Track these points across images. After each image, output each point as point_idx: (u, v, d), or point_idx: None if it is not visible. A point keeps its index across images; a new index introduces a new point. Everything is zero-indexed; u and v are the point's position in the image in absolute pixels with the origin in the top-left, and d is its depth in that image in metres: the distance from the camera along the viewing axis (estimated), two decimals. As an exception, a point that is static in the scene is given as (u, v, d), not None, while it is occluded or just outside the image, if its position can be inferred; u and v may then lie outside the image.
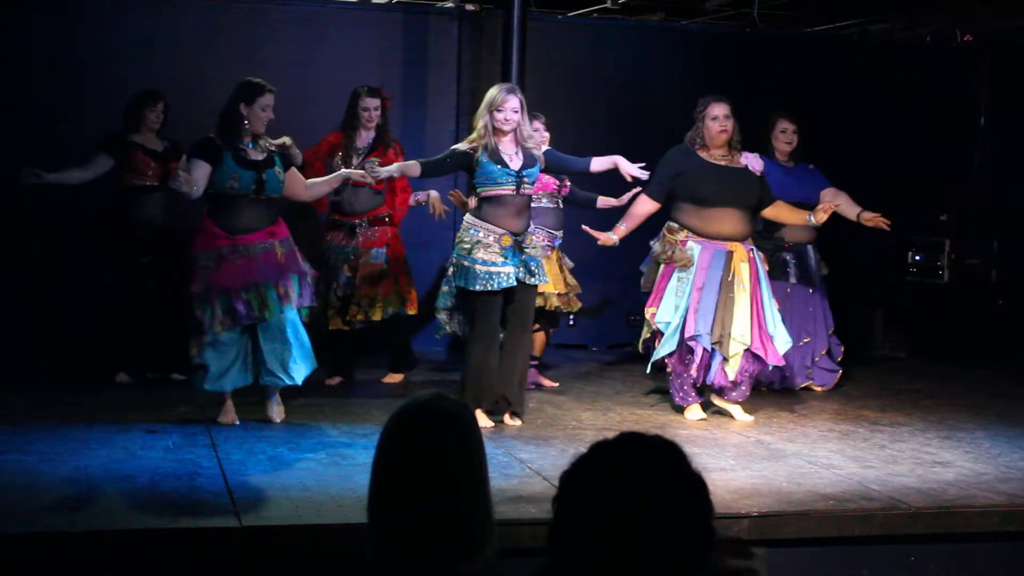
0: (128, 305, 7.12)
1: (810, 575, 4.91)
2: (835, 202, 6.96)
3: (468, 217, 6.28)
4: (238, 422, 6.13)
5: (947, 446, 6.13)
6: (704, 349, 6.52)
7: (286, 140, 6.19)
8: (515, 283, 6.15)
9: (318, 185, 6.35)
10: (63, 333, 7.84)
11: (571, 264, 7.59)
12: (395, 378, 7.55)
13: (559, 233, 7.40)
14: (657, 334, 6.67)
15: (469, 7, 8.95)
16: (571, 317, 8.30)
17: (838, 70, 9.56)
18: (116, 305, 7.16)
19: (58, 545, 4.24)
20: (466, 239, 6.18)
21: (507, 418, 6.35)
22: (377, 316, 7.26)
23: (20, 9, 8.05)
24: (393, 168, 6.34)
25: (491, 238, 6.14)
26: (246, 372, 6.08)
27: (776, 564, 4.86)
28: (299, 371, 6.12)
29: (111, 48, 8.12)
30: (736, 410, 6.69)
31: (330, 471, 5.23)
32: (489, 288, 6.10)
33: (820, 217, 6.78)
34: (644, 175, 6.45)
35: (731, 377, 6.57)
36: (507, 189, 6.15)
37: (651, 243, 6.82)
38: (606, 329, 9.33)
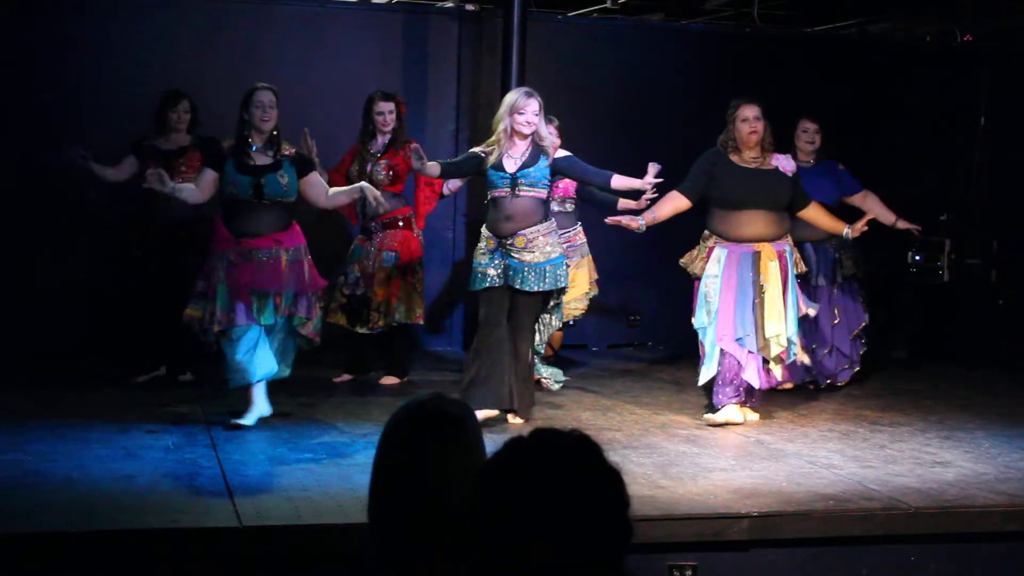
0: (144, 304, 7.11)
1: (810, 575, 4.91)
2: (869, 216, 7.02)
3: None
4: (268, 411, 6.13)
5: (947, 446, 6.13)
6: (749, 352, 6.48)
7: (305, 131, 6.41)
8: (491, 285, 6.25)
9: (339, 194, 6.36)
10: (64, 333, 7.84)
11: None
12: (391, 380, 7.55)
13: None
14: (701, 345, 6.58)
15: (469, 7, 8.95)
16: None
17: (838, 70, 9.55)
18: (136, 305, 7.15)
19: (58, 545, 4.24)
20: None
21: (508, 417, 6.35)
22: (392, 320, 7.34)
23: (21, 9, 8.06)
24: (426, 167, 6.38)
25: (482, 241, 6.37)
26: (271, 361, 6.09)
27: (776, 564, 4.86)
28: (255, 372, 6.07)
29: (111, 48, 8.12)
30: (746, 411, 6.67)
31: (330, 471, 5.23)
32: (473, 288, 6.36)
33: (857, 229, 6.85)
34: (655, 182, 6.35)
35: (779, 378, 6.64)
36: (502, 191, 6.27)
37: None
38: (606, 329, 9.33)
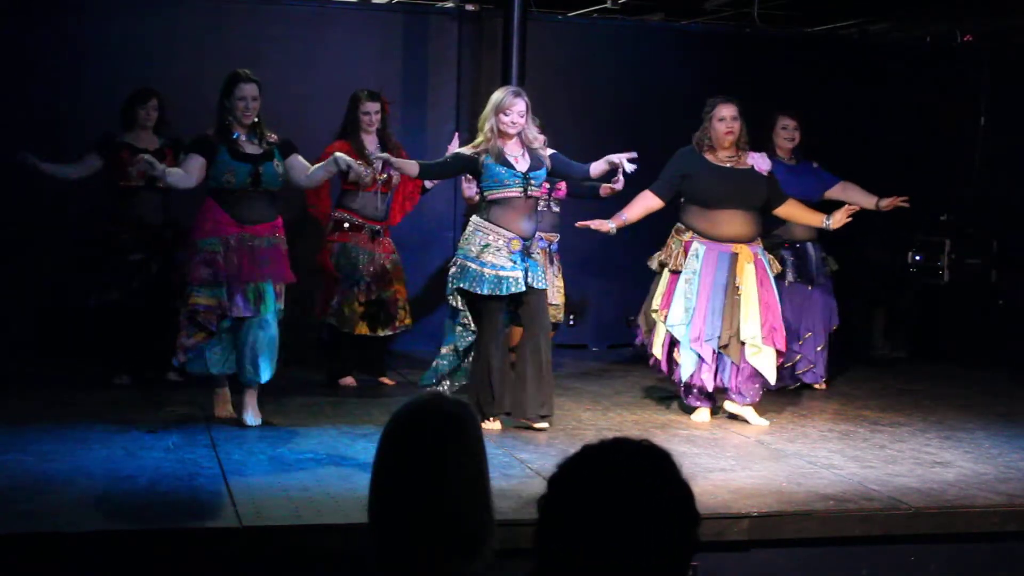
0: (122, 305, 7.08)
1: (810, 575, 4.91)
2: (854, 206, 6.85)
3: (475, 219, 6.20)
4: (235, 415, 6.15)
5: (947, 446, 6.13)
6: (713, 351, 6.50)
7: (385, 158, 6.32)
8: (524, 288, 6.07)
9: (317, 171, 6.19)
10: (63, 333, 7.84)
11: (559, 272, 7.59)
12: (387, 380, 7.57)
13: (554, 236, 7.42)
14: (667, 337, 6.59)
15: (469, 7, 8.95)
16: (571, 317, 8.29)
17: (838, 70, 9.55)
18: (110, 306, 7.13)
19: (58, 545, 4.24)
20: (474, 241, 6.10)
21: (534, 424, 6.23)
22: (407, 322, 7.40)
23: (20, 9, 8.05)
24: (394, 161, 6.29)
25: (500, 241, 6.07)
26: (232, 361, 6.09)
27: (776, 564, 4.86)
28: (266, 370, 6.09)
29: (110, 48, 8.12)
30: (750, 413, 6.63)
31: (330, 471, 5.23)
32: (498, 293, 6.04)
33: (838, 219, 6.72)
34: (631, 163, 6.30)
35: (770, 380, 6.57)
36: (514, 191, 6.08)
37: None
38: (606, 329, 9.32)
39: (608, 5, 9.87)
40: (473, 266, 6.06)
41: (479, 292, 6.04)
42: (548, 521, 1.79)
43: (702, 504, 4.15)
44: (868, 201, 7.42)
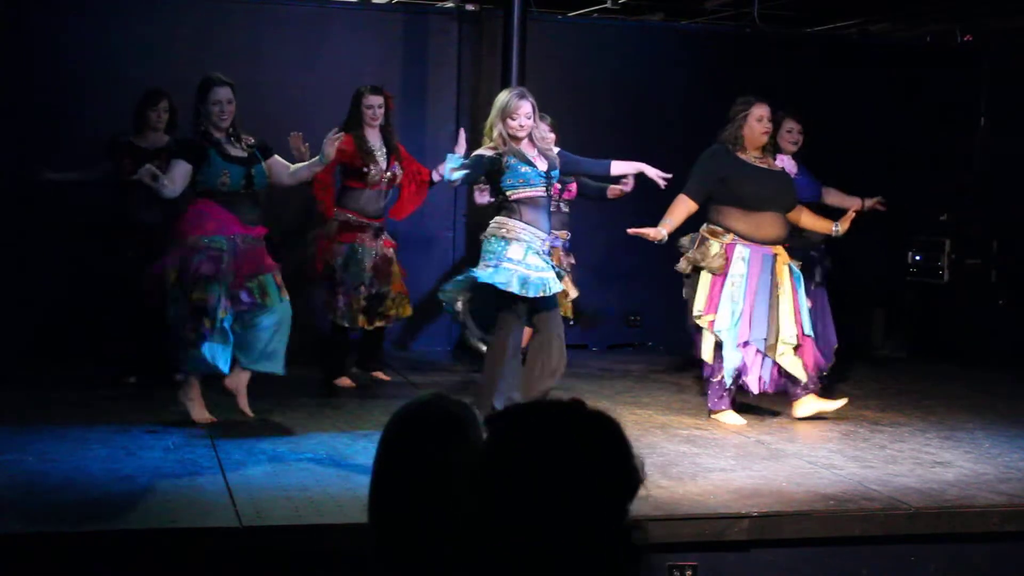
0: (125, 304, 7.09)
1: (810, 575, 4.91)
2: (854, 208, 6.96)
3: (501, 218, 5.97)
4: (213, 418, 6.10)
5: (947, 446, 6.13)
6: (757, 351, 6.47)
7: (297, 135, 6.21)
8: (552, 291, 5.89)
9: (301, 170, 6.23)
10: (63, 333, 7.84)
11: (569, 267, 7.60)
12: (382, 375, 7.59)
13: (562, 234, 7.42)
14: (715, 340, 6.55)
15: (469, 7, 8.96)
16: (571, 320, 8.29)
17: (838, 70, 9.56)
18: (114, 305, 7.14)
19: (58, 545, 4.24)
20: (509, 238, 5.88)
21: None
22: (407, 312, 7.44)
23: (20, 9, 8.06)
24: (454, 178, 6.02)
25: (537, 242, 5.91)
26: (229, 356, 6.06)
27: (776, 564, 4.86)
28: (277, 362, 6.09)
29: (111, 48, 8.12)
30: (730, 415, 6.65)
31: (330, 471, 5.24)
32: (542, 295, 5.83)
33: (845, 227, 6.81)
34: (666, 179, 6.30)
35: (802, 379, 6.55)
36: (539, 191, 5.95)
37: (680, 240, 6.64)
38: (606, 329, 9.33)
39: (608, 5, 9.87)
40: (511, 266, 5.82)
41: (515, 292, 5.79)
42: (488, 464, 1.71)
43: (702, 504, 4.11)
44: (853, 203, 7.42)
